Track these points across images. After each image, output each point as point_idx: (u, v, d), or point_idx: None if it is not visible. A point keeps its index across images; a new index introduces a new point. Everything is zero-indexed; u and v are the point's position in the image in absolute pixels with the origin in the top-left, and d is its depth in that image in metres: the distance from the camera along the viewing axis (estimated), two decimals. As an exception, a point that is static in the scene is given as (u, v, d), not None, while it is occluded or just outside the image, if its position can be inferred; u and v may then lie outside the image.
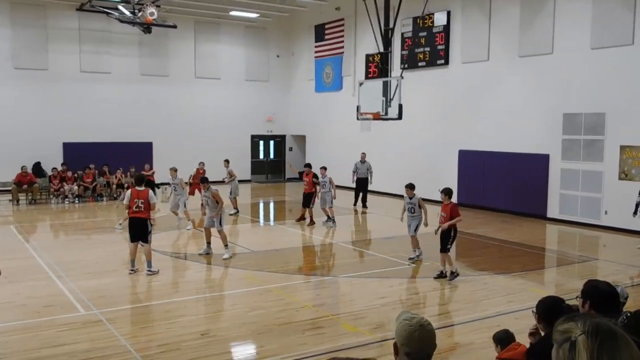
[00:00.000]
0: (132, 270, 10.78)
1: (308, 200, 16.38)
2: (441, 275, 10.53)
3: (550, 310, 4.06)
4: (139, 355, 6.85)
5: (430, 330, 2.63)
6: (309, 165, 17.10)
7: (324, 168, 16.55)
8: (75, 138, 23.54)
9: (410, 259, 11.99)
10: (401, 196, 20.97)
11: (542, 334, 4.25)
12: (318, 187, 16.21)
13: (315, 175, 16.49)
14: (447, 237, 10.54)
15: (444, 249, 10.52)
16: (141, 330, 7.76)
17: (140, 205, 10.69)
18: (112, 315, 8.46)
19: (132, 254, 10.82)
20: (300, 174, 17.44)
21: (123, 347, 7.11)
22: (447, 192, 10.86)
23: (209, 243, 12.41)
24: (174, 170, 15.99)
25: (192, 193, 17.87)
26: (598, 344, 1.73)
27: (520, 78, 17.80)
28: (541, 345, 4.14)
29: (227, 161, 18.91)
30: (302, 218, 16.64)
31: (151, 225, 10.91)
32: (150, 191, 10.92)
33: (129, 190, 11.02)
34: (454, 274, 10.41)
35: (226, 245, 12.13)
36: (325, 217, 16.08)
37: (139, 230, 10.69)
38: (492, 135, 18.61)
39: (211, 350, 7.07)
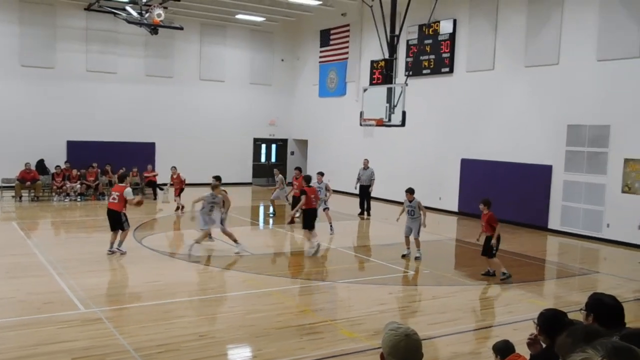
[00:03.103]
0: (110, 251, 12.21)
1: (298, 203, 16.47)
2: (488, 274, 11.27)
3: (551, 323, 4.06)
4: (137, 354, 6.86)
5: (416, 340, 2.64)
6: (299, 169, 17.38)
7: (321, 174, 16.59)
8: (79, 136, 23.59)
9: (416, 258, 12.70)
10: (402, 203, 21.01)
11: (543, 344, 4.26)
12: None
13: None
14: (490, 244, 11.16)
15: (490, 255, 11.15)
16: (140, 330, 7.77)
17: (115, 197, 12.29)
18: (112, 313, 8.48)
19: (112, 238, 12.32)
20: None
21: (121, 346, 7.12)
22: (485, 202, 11.37)
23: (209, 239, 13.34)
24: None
25: (176, 194, 19.19)
26: None
27: (525, 88, 17.82)
28: (542, 358, 4.15)
29: (277, 169, 20.17)
30: (293, 221, 16.65)
31: (124, 215, 12.30)
32: (128, 188, 12.45)
33: (128, 188, 12.55)
34: (506, 275, 11.00)
35: (235, 241, 12.71)
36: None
37: (114, 221, 12.25)
38: (495, 145, 18.61)
39: (209, 352, 7.08)
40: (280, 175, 18.67)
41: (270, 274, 11.27)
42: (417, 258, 12.68)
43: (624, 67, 15.14)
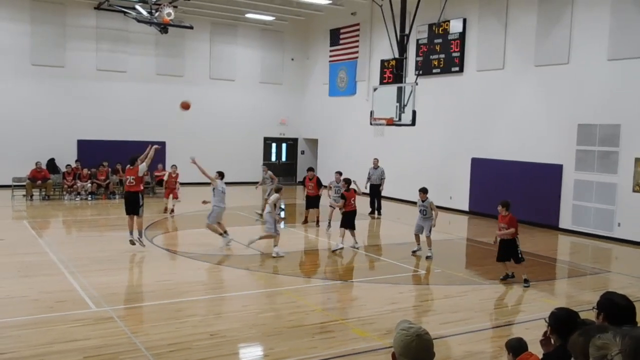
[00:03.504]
0: (132, 240, 12.49)
1: (313, 202, 16.67)
2: (506, 277, 10.95)
3: (563, 322, 4.04)
4: (149, 353, 6.89)
5: (427, 340, 2.63)
6: (312, 170, 17.32)
7: (339, 173, 16.52)
8: (89, 135, 23.72)
9: (427, 257, 12.69)
10: (412, 202, 20.94)
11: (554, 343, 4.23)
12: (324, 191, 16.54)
13: (319, 180, 16.79)
14: (513, 247, 10.75)
15: (519, 260, 10.71)
16: (152, 329, 7.80)
17: (132, 181, 12.56)
18: (124, 312, 8.52)
19: (130, 225, 12.64)
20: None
21: (133, 344, 7.15)
22: (505, 204, 11.11)
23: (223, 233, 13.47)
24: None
25: (167, 196, 18.66)
26: None
27: (535, 87, 17.74)
28: (554, 357, 4.13)
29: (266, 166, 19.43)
30: (307, 221, 16.71)
31: (142, 198, 12.63)
32: (141, 165, 12.54)
33: (141, 165, 12.71)
34: (527, 282, 10.64)
35: (222, 234, 13.17)
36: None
37: (132, 203, 12.53)
38: (505, 144, 18.54)
39: (221, 351, 7.10)
40: (270, 172, 18.19)
41: (282, 273, 11.28)
42: (428, 257, 12.65)
43: (635, 66, 15.03)
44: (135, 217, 12.66)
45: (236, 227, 16.43)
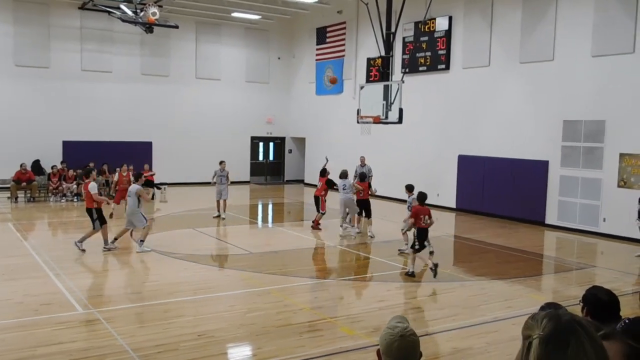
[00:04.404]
0: (105, 248, 12.53)
1: (316, 204, 16.25)
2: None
3: None
4: (136, 355, 6.84)
5: (411, 340, 2.62)
6: (324, 171, 16.63)
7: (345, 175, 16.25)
8: (75, 136, 23.53)
9: (431, 252, 11.69)
10: (400, 200, 21.02)
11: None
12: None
13: (329, 180, 16.23)
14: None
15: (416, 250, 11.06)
16: (139, 330, 7.75)
17: (83, 197, 12.88)
18: (110, 314, 8.45)
19: (103, 235, 12.63)
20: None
21: (120, 346, 7.10)
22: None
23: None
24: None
25: (117, 201, 16.89)
26: (546, 354, 1.64)
27: (520, 84, 17.84)
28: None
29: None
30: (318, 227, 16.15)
31: (95, 212, 12.45)
32: (91, 183, 12.50)
33: (92, 182, 12.60)
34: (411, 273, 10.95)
35: (142, 240, 12.67)
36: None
37: (90, 218, 12.54)
38: (491, 141, 18.64)
39: (209, 351, 7.07)
40: (227, 170, 17.75)
41: (269, 272, 11.26)
42: (431, 253, 11.86)
43: (619, 62, 15.16)
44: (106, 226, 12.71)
45: (222, 227, 16.40)
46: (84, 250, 12.33)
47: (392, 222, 16.61)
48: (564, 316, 1.72)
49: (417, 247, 10.99)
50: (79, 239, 12.51)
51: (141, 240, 12.65)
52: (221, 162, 17.85)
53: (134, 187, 12.70)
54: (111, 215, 16.59)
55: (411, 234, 12.61)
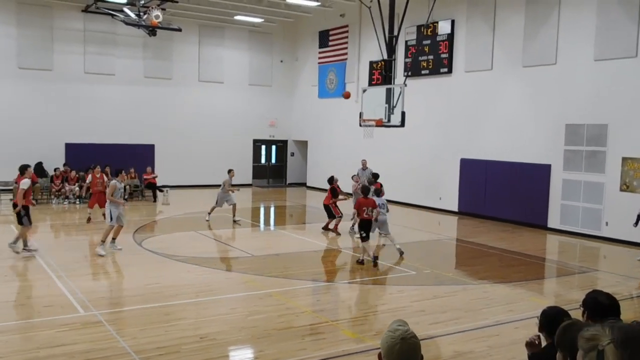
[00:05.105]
0: (24, 249, 12.26)
1: (327, 211, 16.20)
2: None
3: (552, 321, 4.05)
4: (138, 357, 6.84)
5: (412, 343, 2.62)
6: (332, 178, 16.50)
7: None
8: (77, 139, 23.57)
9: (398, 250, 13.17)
10: (402, 203, 21.03)
11: (544, 342, 4.24)
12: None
13: (333, 189, 16.08)
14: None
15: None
16: (140, 332, 7.75)
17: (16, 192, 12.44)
18: (112, 316, 8.46)
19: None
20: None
21: (122, 348, 7.11)
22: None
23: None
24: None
25: (91, 206, 16.71)
26: (629, 355, 1.69)
27: (523, 88, 17.84)
28: (544, 355, 4.14)
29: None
30: (327, 228, 16.16)
31: (23, 210, 12.11)
32: (23, 180, 12.22)
33: (25, 179, 12.29)
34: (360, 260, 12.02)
35: (103, 242, 12.47)
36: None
37: (17, 215, 12.22)
38: (494, 145, 18.63)
39: (210, 354, 7.07)
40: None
41: (271, 275, 11.26)
42: (401, 254, 12.88)
43: (621, 66, 15.16)
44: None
45: (224, 230, 16.42)
46: (18, 253, 12.14)
47: (394, 225, 16.60)
48: (625, 323, 1.80)
49: (363, 235, 12.03)
50: (12, 240, 12.30)
51: (102, 241, 12.44)
52: (230, 171, 17.67)
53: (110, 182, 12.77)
54: (88, 220, 16.71)
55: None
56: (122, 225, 12.90)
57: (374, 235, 13.30)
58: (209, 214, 17.31)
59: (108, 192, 12.67)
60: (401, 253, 12.97)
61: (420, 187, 21.41)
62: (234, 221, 17.05)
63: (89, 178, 18.24)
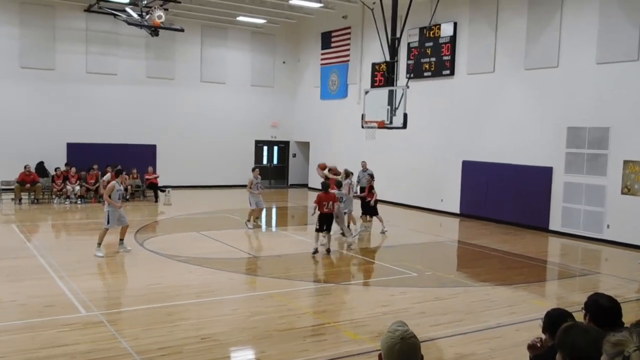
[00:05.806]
0: None
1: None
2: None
3: (555, 322, 4.05)
4: (139, 357, 6.84)
5: (411, 343, 2.63)
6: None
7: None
8: (79, 139, 23.59)
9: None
10: (404, 204, 21.03)
11: (545, 344, 4.24)
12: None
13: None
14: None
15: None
16: (142, 333, 7.75)
17: None
18: (113, 316, 8.47)
19: None
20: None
21: (124, 349, 7.11)
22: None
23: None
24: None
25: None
26: None
27: (525, 91, 17.84)
28: (544, 357, 4.14)
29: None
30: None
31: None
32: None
33: None
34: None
35: (99, 244, 12.31)
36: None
37: None
38: (496, 147, 18.63)
39: (212, 355, 7.06)
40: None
41: (273, 276, 11.25)
42: (349, 245, 14.09)
43: (623, 70, 15.16)
44: None
45: (226, 231, 16.42)
46: None
47: (396, 227, 16.62)
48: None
49: (317, 227, 13.12)
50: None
51: (98, 244, 12.31)
52: (255, 169, 17.20)
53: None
54: None
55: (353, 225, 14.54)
56: (127, 224, 12.90)
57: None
58: (249, 221, 16.57)
59: (106, 192, 12.63)
60: (349, 245, 14.21)
61: (422, 189, 21.40)
62: (251, 221, 16.51)
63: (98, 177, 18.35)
